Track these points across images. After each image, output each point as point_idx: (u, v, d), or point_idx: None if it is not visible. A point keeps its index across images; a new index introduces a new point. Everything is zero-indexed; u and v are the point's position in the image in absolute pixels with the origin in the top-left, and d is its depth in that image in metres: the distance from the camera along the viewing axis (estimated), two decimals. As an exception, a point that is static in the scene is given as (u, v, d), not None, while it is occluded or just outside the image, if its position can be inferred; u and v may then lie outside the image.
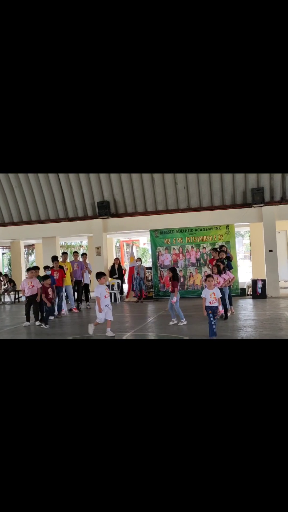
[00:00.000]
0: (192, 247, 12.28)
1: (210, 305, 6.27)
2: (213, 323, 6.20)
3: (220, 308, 6.43)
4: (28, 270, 8.94)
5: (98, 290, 6.77)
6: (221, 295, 6.49)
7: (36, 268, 9.14)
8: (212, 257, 9.23)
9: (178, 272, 8.61)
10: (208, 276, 6.66)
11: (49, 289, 8.45)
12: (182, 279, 12.27)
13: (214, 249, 9.48)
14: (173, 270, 8.08)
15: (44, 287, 8.41)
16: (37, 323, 8.30)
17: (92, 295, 12.99)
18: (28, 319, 8.45)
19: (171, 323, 7.72)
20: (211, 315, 6.26)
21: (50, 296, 8.44)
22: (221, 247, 9.54)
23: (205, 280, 6.62)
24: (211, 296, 6.29)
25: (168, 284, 12.45)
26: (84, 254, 11.64)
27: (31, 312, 8.49)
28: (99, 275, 6.87)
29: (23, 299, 14.14)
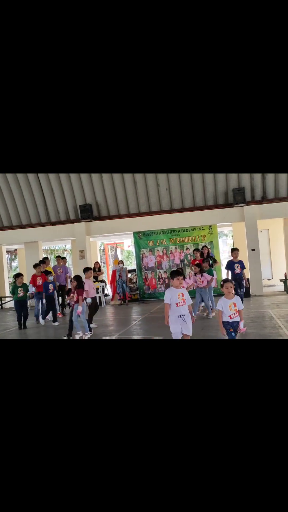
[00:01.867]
0: (175, 248, 12.33)
1: (231, 320, 4.48)
2: None
3: (241, 325, 4.58)
4: (86, 270, 7.73)
5: (168, 295, 4.77)
6: (242, 307, 4.67)
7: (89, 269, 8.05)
8: (195, 257, 9.25)
9: (83, 280, 7.14)
10: (225, 281, 4.80)
11: None
12: (166, 281, 12.30)
13: (197, 250, 9.52)
14: (77, 278, 7.06)
15: None
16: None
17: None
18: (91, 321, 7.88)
19: (77, 336, 6.91)
20: (233, 334, 4.48)
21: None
22: (202, 248, 9.60)
23: (222, 286, 4.79)
24: (231, 308, 4.48)
25: (154, 285, 12.62)
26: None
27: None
28: (173, 274, 4.82)
29: (7, 305, 14.03)
